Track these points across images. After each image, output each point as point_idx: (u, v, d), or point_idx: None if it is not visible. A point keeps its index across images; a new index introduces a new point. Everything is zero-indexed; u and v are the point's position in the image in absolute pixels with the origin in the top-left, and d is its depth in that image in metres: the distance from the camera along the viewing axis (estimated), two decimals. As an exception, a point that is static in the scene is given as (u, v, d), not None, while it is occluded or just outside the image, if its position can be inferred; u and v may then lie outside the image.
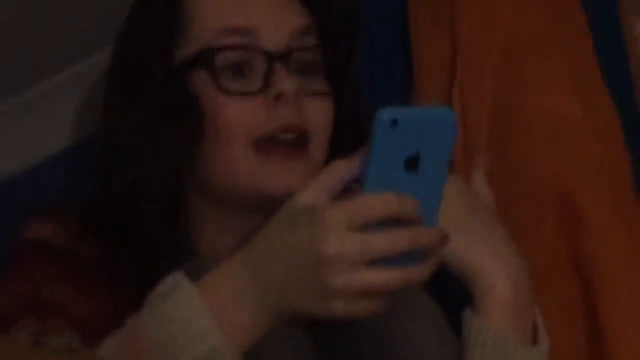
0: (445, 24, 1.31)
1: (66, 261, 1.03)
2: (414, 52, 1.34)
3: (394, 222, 0.80)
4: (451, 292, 1.01)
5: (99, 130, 1.16)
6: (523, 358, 0.95)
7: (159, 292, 0.87)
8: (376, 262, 0.80)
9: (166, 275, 0.86)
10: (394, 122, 0.80)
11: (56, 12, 1.44)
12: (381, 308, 0.81)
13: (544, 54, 1.24)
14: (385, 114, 0.80)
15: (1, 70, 1.53)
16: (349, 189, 0.84)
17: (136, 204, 1.02)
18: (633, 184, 1.21)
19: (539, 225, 1.22)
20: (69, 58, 1.55)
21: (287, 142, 0.99)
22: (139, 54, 1.08)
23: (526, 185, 1.23)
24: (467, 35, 1.28)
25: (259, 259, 0.82)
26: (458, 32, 1.29)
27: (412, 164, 0.82)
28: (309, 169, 1.01)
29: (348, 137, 1.02)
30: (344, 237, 0.78)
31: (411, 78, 1.32)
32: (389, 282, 0.80)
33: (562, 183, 1.21)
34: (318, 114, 1.03)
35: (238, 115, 1.01)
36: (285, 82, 0.99)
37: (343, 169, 0.82)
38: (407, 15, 1.34)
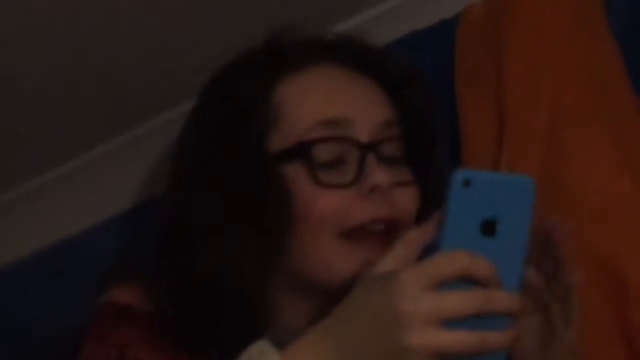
0: (492, 104, 1.32)
1: (149, 326, 1.04)
2: (462, 133, 1.35)
3: (475, 284, 0.81)
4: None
5: (158, 198, 1.16)
6: None
7: (245, 358, 0.87)
8: (457, 325, 0.81)
9: (241, 348, 0.87)
10: (467, 182, 0.81)
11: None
12: None
13: (588, 125, 1.23)
14: (459, 175, 0.81)
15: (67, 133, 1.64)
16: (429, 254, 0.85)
17: (219, 290, 1.03)
18: None
19: (586, 298, 1.21)
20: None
21: (376, 233, 1.00)
22: (227, 136, 1.09)
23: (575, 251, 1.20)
24: (512, 115, 1.28)
25: (340, 325, 0.84)
26: (504, 112, 1.29)
27: (489, 228, 0.83)
28: None
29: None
30: (418, 296, 0.79)
31: (459, 158, 1.33)
32: (463, 342, 0.80)
33: (611, 258, 1.20)
34: (407, 204, 1.04)
35: (333, 207, 1.01)
36: (380, 174, 1.00)
37: (418, 234, 0.84)
38: (455, 95, 1.36)
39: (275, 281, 1.04)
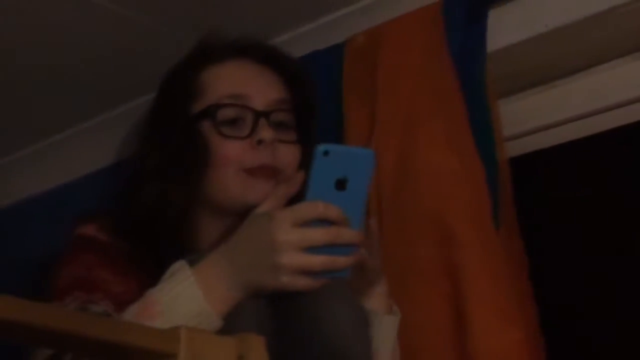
0: (367, 107, 1.66)
1: (107, 252, 1.26)
2: (345, 127, 1.68)
3: (330, 224, 1.06)
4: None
5: (127, 159, 1.42)
6: (388, 320, 1.26)
7: (168, 273, 1.12)
8: (317, 251, 1.06)
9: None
10: (326, 153, 1.07)
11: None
12: (316, 284, 1.07)
13: (431, 122, 1.56)
14: (320, 147, 1.07)
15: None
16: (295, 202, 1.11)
17: (158, 216, 1.29)
18: (492, 217, 1.51)
19: (423, 242, 1.53)
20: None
21: (264, 174, 1.26)
22: (167, 109, 1.36)
23: (415, 215, 1.55)
24: (380, 116, 1.62)
25: (233, 249, 1.10)
26: (376, 114, 1.63)
27: (341, 184, 1.08)
28: None
29: None
30: (289, 229, 1.05)
31: (341, 137, 1.67)
32: (319, 263, 1.06)
33: (442, 215, 1.52)
34: (287, 156, 1.30)
35: (232, 152, 1.28)
36: (265, 132, 1.26)
37: (285, 188, 1.14)
38: (342, 96, 1.71)
39: (197, 209, 1.31)
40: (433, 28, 1.62)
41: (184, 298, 1.11)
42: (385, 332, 1.27)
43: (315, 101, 1.43)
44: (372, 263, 1.22)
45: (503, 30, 1.63)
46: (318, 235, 1.08)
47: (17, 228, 2.17)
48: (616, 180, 1.71)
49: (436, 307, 1.50)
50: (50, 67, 1.94)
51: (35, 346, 1.15)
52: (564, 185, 1.78)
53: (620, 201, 1.69)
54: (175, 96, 1.37)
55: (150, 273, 1.19)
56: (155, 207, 1.31)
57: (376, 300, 1.26)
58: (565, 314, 1.67)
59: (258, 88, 1.33)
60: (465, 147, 1.54)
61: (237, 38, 1.41)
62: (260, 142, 1.27)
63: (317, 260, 1.08)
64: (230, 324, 1.09)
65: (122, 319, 1.11)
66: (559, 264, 1.73)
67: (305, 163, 1.28)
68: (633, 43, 1.64)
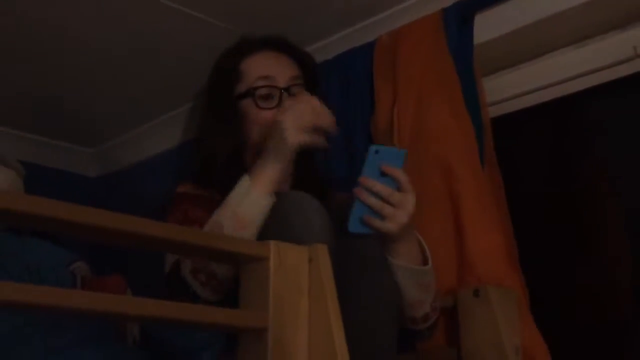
0: (391, 91, 1.91)
1: (196, 200, 1.53)
2: (376, 98, 1.94)
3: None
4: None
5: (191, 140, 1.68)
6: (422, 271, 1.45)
7: (236, 186, 1.37)
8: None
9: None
10: (377, 151, 1.35)
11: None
12: (315, 140, 1.37)
13: (437, 96, 1.84)
14: (372, 147, 1.34)
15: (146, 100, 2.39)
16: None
17: (212, 163, 1.54)
18: (479, 159, 1.78)
19: (431, 177, 1.80)
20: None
21: None
22: (218, 89, 1.64)
23: (426, 159, 1.81)
24: (400, 97, 1.87)
25: (265, 154, 1.39)
26: (396, 96, 1.88)
27: (384, 173, 1.36)
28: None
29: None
30: (292, 118, 1.36)
31: (373, 109, 1.94)
32: (313, 139, 1.36)
33: (445, 158, 1.79)
34: None
35: (266, 118, 1.56)
36: (288, 101, 1.50)
37: (292, 101, 1.41)
38: (373, 79, 1.96)
39: (247, 153, 1.58)
40: (436, 29, 1.88)
41: (241, 185, 1.39)
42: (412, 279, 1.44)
43: (318, 76, 1.71)
44: (388, 227, 1.40)
45: (484, 30, 1.88)
46: (311, 117, 1.40)
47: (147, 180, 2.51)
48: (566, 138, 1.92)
49: (441, 222, 1.76)
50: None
51: (172, 253, 1.41)
52: (528, 139, 2.00)
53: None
54: (223, 80, 1.63)
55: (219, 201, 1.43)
56: (209, 156, 1.58)
57: (405, 258, 1.45)
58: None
59: (279, 70, 1.61)
60: (461, 112, 1.83)
61: (262, 35, 1.68)
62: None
63: (312, 138, 1.40)
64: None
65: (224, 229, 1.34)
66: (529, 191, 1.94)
67: None
68: (572, 38, 1.88)
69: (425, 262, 1.48)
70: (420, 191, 1.53)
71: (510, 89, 1.99)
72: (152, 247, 1.18)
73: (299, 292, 1.13)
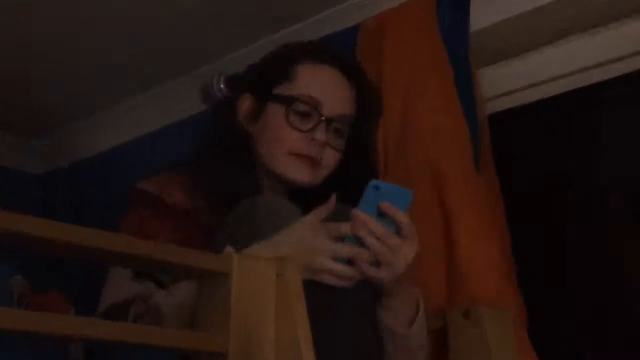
0: (374, 72, 1.77)
1: (157, 205, 1.38)
2: None
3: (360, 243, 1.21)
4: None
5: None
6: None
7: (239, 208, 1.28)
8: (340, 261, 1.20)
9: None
10: (377, 187, 1.22)
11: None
12: (339, 282, 1.21)
13: (427, 90, 1.74)
14: (372, 182, 1.22)
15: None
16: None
17: (226, 172, 1.42)
18: (474, 164, 1.68)
19: (421, 183, 1.68)
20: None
21: (308, 160, 1.42)
22: (259, 77, 1.51)
23: (415, 162, 1.71)
24: (386, 87, 1.77)
25: (277, 242, 1.22)
26: (382, 78, 1.78)
27: (382, 213, 1.23)
28: (315, 177, 1.45)
29: (349, 176, 1.47)
30: (325, 241, 1.21)
31: None
32: (340, 270, 1.21)
33: (436, 162, 1.68)
34: (328, 159, 1.47)
35: (291, 138, 1.45)
36: (321, 134, 1.43)
37: (324, 209, 1.24)
38: None
39: (261, 174, 1.48)
40: (426, 14, 1.79)
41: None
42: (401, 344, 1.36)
43: (373, 124, 1.62)
44: (381, 276, 1.28)
45: (481, 15, 1.80)
46: (345, 250, 1.24)
47: (117, 171, 2.27)
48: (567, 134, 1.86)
49: (430, 233, 1.65)
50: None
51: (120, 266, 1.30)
52: (531, 137, 1.93)
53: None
54: (270, 71, 1.52)
55: (197, 230, 1.35)
56: (215, 145, 1.50)
57: (391, 315, 1.36)
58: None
59: (332, 99, 1.49)
60: (454, 109, 1.72)
61: (337, 49, 1.59)
62: (314, 140, 1.44)
63: (339, 268, 1.24)
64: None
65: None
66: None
67: (348, 167, 1.48)
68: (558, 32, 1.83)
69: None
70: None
71: (510, 82, 1.92)
72: (102, 260, 1.12)
73: (264, 312, 1.07)
